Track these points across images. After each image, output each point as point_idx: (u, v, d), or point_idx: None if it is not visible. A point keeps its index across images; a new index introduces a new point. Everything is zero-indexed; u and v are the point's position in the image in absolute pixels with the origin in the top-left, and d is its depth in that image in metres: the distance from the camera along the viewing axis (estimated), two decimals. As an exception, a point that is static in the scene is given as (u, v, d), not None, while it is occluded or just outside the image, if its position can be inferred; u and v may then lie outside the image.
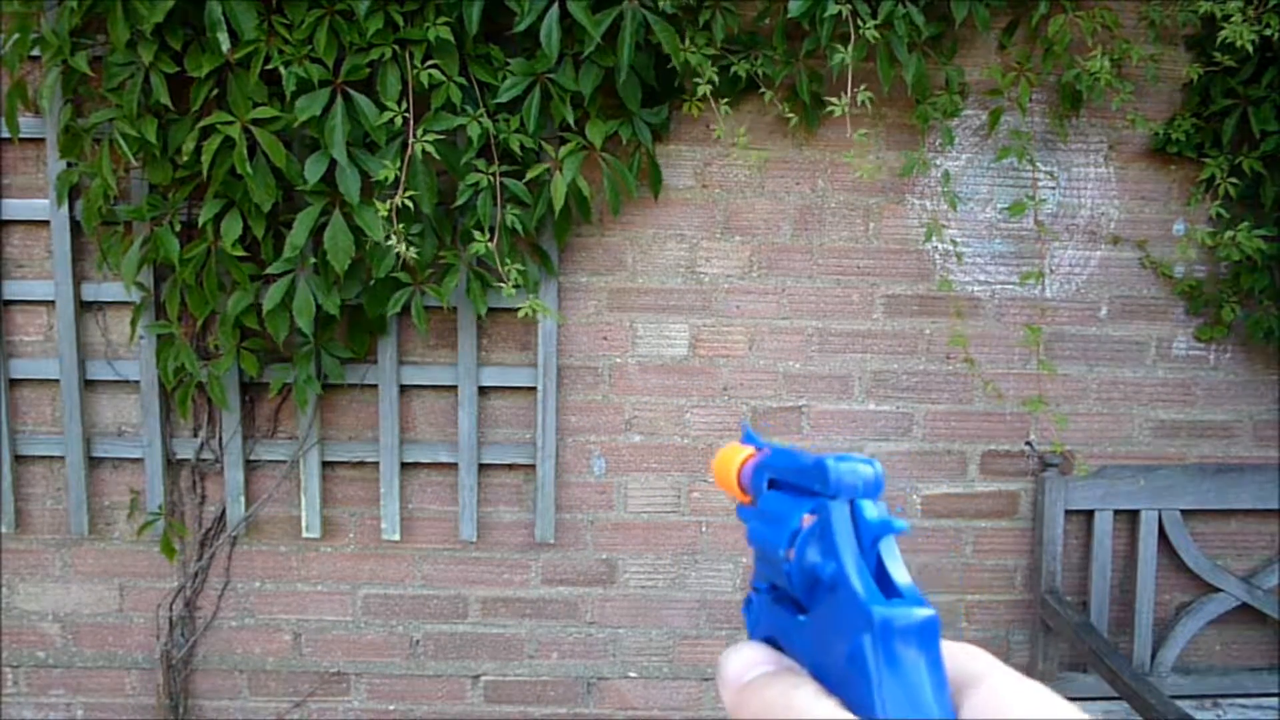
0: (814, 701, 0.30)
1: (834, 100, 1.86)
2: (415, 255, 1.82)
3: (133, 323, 2.01)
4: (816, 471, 0.32)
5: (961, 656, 0.32)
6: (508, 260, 1.88)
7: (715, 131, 1.94)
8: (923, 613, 0.29)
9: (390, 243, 1.79)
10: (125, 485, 2.15)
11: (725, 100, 1.91)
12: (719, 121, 1.91)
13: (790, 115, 1.98)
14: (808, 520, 0.33)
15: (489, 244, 1.85)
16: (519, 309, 1.93)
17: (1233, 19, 1.81)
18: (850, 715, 0.29)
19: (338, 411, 2.14)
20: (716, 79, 1.86)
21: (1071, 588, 2.20)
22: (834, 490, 0.32)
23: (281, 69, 1.78)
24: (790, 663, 0.33)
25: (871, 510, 0.32)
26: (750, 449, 0.40)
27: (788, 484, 0.36)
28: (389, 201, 1.79)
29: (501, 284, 1.88)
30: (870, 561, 0.31)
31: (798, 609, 0.33)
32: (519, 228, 1.88)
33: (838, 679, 0.30)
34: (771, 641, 0.35)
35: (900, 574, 0.31)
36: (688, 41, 1.86)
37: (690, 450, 2.17)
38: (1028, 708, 0.30)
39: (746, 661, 0.33)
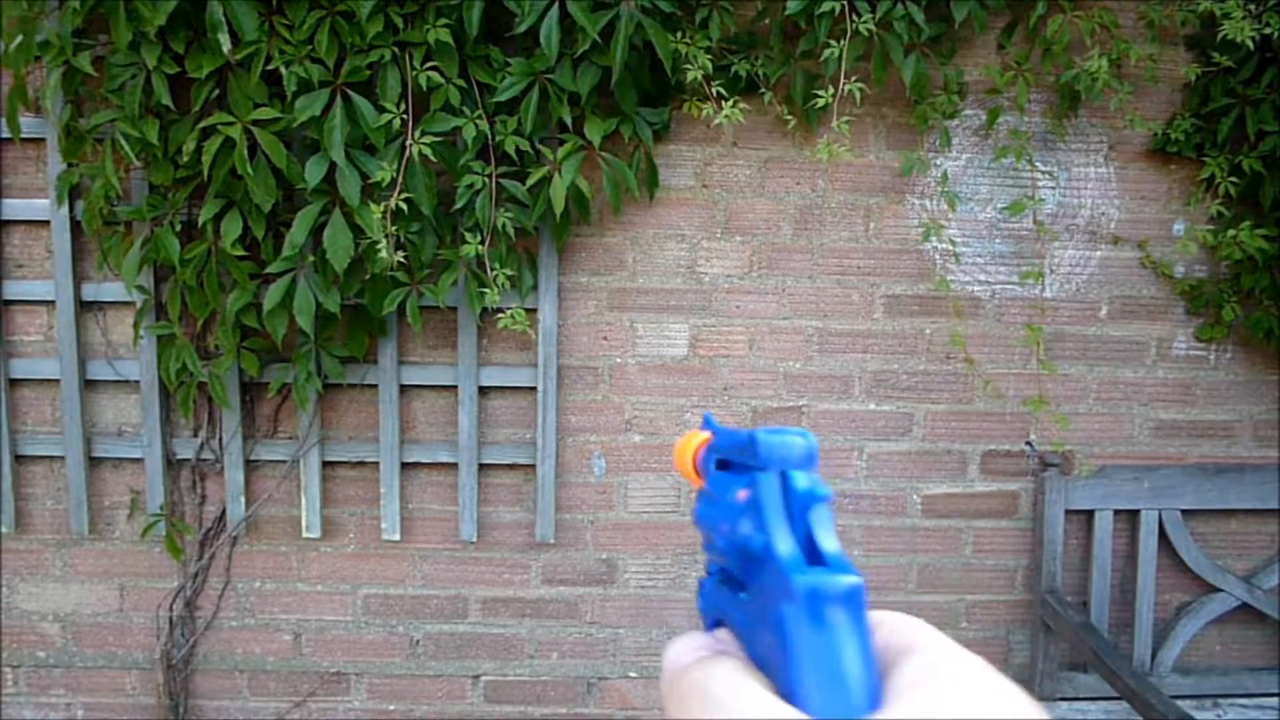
0: (729, 679, 0.29)
1: (821, 93, 1.86)
2: (401, 257, 1.82)
3: (135, 325, 2.02)
4: (750, 446, 0.33)
5: (899, 625, 0.31)
6: (497, 265, 1.88)
7: (705, 110, 1.92)
8: (846, 580, 0.29)
9: (379, 247, 1.79)
10: (125, 485, 2.16)
11: (718, 83, 1.90)
12: (711, 103, 1.90)
13: (789, 117, 1.98)
14: (743, 496, 0.33)
15: (479, 246, 1.85)
16: (500, 317, 1.92)
17: (1233, 16, 1.81)
18: (760, 692, 0.28)
19: (338, 411, 2.14)
20: (709, 66, 1.86)
21: (1071, 588, 2.20)
22: (763, 462, 0.32)
23: (282, 70, 1.78)
24: (728, 647, 0.33)
25: (801, 480, 0.32)
26: (707, 434, 0.40)
27: (734, 464, 0.36)
28: (384, 203, 1.79)
29: (492, 286, 1.88)
30: (800, 531, 0.31)
31: (740, 588, 0.33)
32: (512, 231, 1.88)
33: (767, 652, 0.30)
34: (722, 625, 0.34)
35: (828, 542, 0.30)
36: (681, 36, 1.86)
37: (690, 450, 2.17)
38: (960, 681, 0.28)
39: (682, 649, 0.33)
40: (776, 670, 0.29)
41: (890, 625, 0.31)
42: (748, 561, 0.32)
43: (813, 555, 0.30)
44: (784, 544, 0.30)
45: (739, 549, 0.32)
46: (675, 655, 0.33)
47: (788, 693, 0.28)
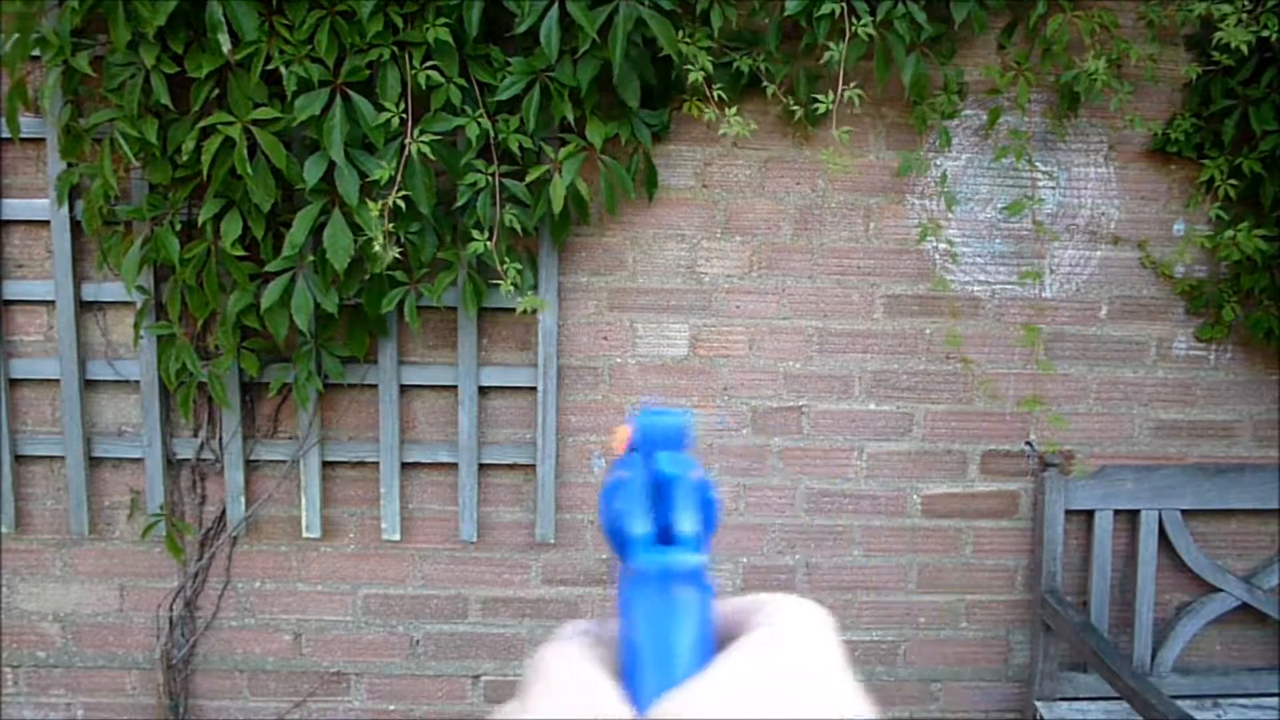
0: (565, 656, 0.30)
1: (821, 98, 1.86)
2: (397, 255, 1.82)
3: (135, 325, 2.02)
4: (634, 428, 0.33)
5: (759, 597, 0.32)
6: (506, 260, 1.88)
7: (706, 114, 1.92)
8: (685, 560, 0.29)
9: (375, 246, 1.79)
10: (125, 485, 2.15)
11: (719, 86, 1.90)
12: (712, 106, 1.90)
13: (795, 108, 1.97)
14: (620, 477, 0.33)
15: (488, 243, 1.85)
16: (517, 307, 1.93)
17: (1227, 21, 1.82)
18: (586, 671, 0.29)
19: (338, 411, 2.14)
20: (710, 67, 1.86)
21: (1071, 588, 2.20)
22: (635, 443, 0.32)
23: (282, 69, 1.78)
24: (609, 629, 0.33)
25: (665, 461, 0.32)
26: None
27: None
28: (381, 202, 1.79)
29: (498, 283, 1.88)
30: (664, 512, 0.31)
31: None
32: (518, 228, 1.88)
33: (625, 630, 0.30)
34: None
35: (684, 524, 0.31)
36: (683, 34, 1.86)
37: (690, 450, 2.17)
38: (794, 620, 0.29)
39: (563, 629, 0.33)
40: (624, 647, 0.30)
41: (765, 609, 0.31)
42: (619, 541, 0.32)
43: (667, 535, 0.31)
44: (637, 525, 0.30)
45: (614, 529, 0.33)
46: (555, 635, 0.33)
47: (627, 670, 0.29)
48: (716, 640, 0.30)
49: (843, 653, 0.30)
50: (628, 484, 0.32)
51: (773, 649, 0.28)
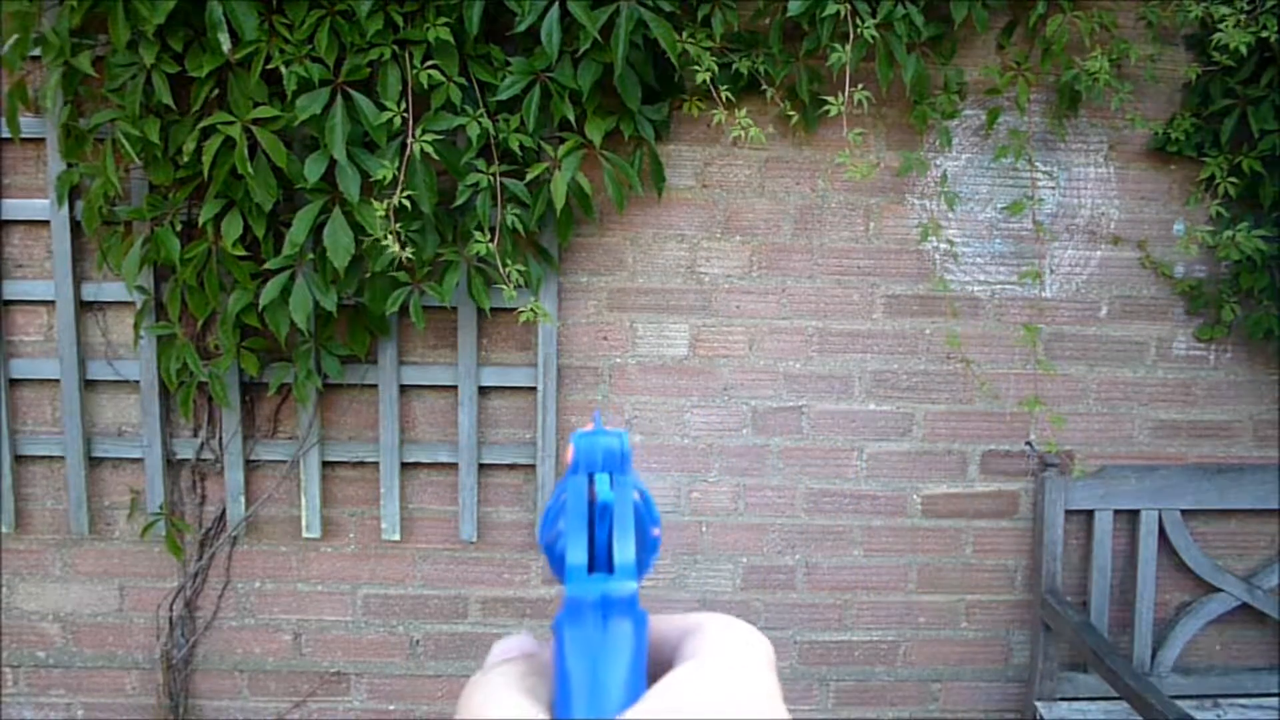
0: (493, 684, 0.29)
1: (832, 100, 1.86)
2: (411, 255, 1.82)
3: (136, 325, 2.02)
4: (572, 448, 0.32)
5: (691, 619, 0.31)
6: (508, 260, 1.88)
7: (715, 116, 1.93)
8: (619, 588, 0.28)
9: (386, 243, 1.79)
10: (125, 485, 2.15)
11: (725, 88, 1.90)
12: (720, 108, 1.91)
13: (791, 113, 1.98)
14: (563, 498, 0.33)
15: (489, 244, 1.85)
16: (519, 310, 1.93)
17: (1225, 22, 1.82)
18: (512, 699, 0.28)
19: (338, 411, 2.14)
20: (716, 69, 1.86)
21: (1071, 588, 2.20)
22: (574, 465, 0.31)
23: (282, 69, 1.78)
24: (541, 650, 0.32)
25: (603, 485, 0.31)
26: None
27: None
28: (386, 201, 1.79)
29: (502, 285, 1.88)
30: (603, 535, 0.30)
31: None
32: (519, 227, 1.88)
33: (557, 657, 0.30)
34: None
35: (621, 551, 0.30)
36: (685, 36, 1.86)
37: (690, 450, 2.17)
38: (723, 653, 0.29)
39: (496, 651, 0.33)
40: (557, 675, 0.29)
41: (695, 637, 0.30)
42: (556, 564, 0.32)
43: (604, 561, 0.30)
44: (573, 551, 0.30)
45: (554, 553, 0.32)
46: (491, 656, 0.33)
47: (559, 700, 0.28)
48: (651, 664, 0.29)
49: (774, 683, 0.29)
50: (566, 506, 0.31)
51: (698, 685, 0.28)
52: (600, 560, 0.30)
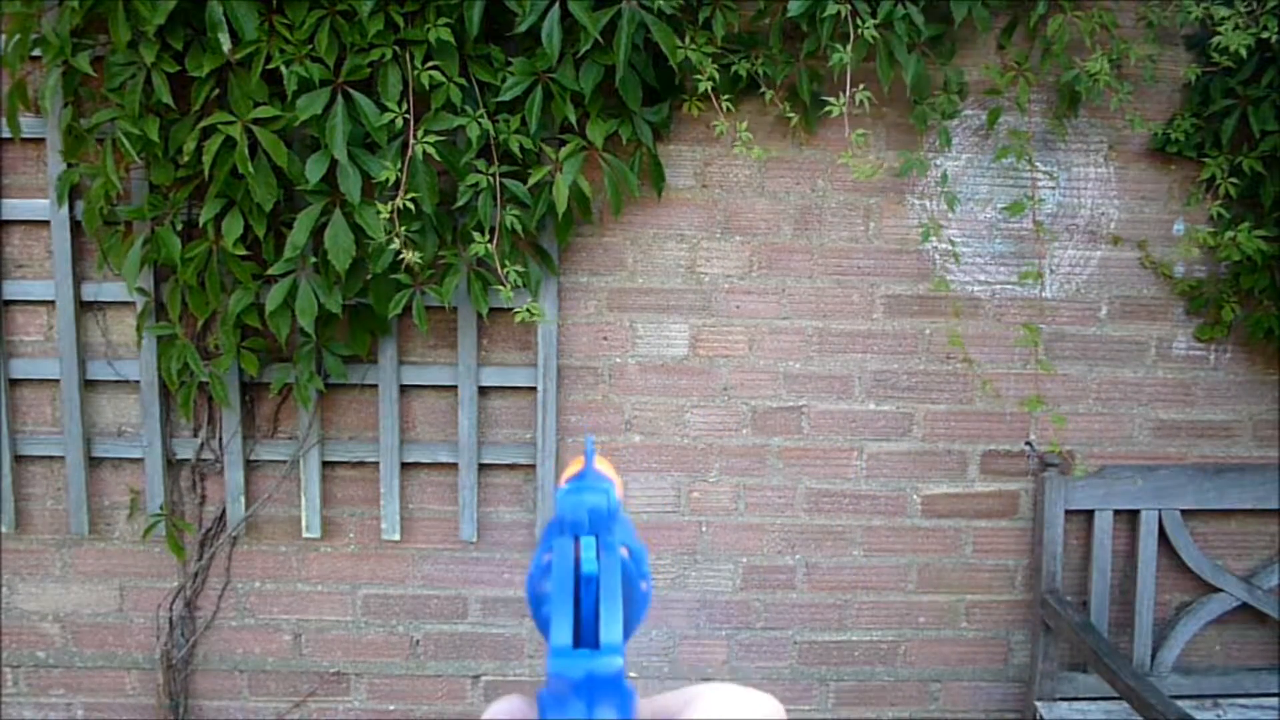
0: None
1: (833, 100, 1.86)
2: (419, 258, 1.82)
3: (138, 326, 2.02)
4: (556, 506, 0.30)
5: (694, 688, 0.30)
6: (507, 261, 1.88)
7: (717, 128, 1.94)
8: (605, 666, 0.27)
9: (393, 245, 1.79)
10: (125, 485, 2.15)
11: (726, 98, 1.91)
12: (720, 118, 1.91)
13: (790, 115, 1.98)
14: (547, 559, 0.31)
15: (488, 245, 1.85)
16: (517, 311, 1.93)
17: (1225, 24, 1.82)
18: None
19: (338, 411, 2.14)
20: (717, 76, 1.87)
21: (1071, 588, 2.20)
22: (559, 526, 0.30)
23: (283, 69, 1.78)
24: (530, 713, 0.31)
25: (588, 553, 0.29)
26: (579, 466, 0.36)
27: None
28: (390, 203, 1.79)
29: (501, 286, 1.88)
30: (588, 604, 0.29)
31: None
32: (519, 228, 1.88)
33: None
34: None
35: (606, 628, 0.28)
36: (688, 40, 1.86)
37: (690, 450, 2.17)
38: (728, 706, 0.28)
39: (493, 712, 0.31)
40: None
41: (701, 697, 0.29)
42: (543, 629, 0.30)
43: (589, 633, 0.28)
44: (557, 630, 0.28)
45: (537, 615, 0.31)
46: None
47: None
48: None
49: None
50: (551, 569, 0.29)
51: None
52: (586, 631, 0.29)
